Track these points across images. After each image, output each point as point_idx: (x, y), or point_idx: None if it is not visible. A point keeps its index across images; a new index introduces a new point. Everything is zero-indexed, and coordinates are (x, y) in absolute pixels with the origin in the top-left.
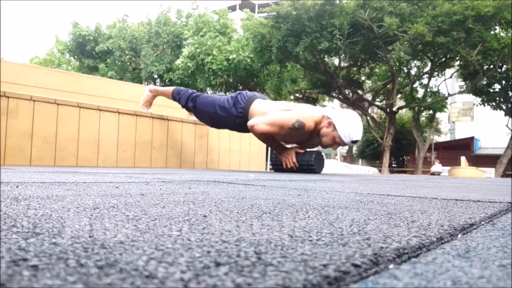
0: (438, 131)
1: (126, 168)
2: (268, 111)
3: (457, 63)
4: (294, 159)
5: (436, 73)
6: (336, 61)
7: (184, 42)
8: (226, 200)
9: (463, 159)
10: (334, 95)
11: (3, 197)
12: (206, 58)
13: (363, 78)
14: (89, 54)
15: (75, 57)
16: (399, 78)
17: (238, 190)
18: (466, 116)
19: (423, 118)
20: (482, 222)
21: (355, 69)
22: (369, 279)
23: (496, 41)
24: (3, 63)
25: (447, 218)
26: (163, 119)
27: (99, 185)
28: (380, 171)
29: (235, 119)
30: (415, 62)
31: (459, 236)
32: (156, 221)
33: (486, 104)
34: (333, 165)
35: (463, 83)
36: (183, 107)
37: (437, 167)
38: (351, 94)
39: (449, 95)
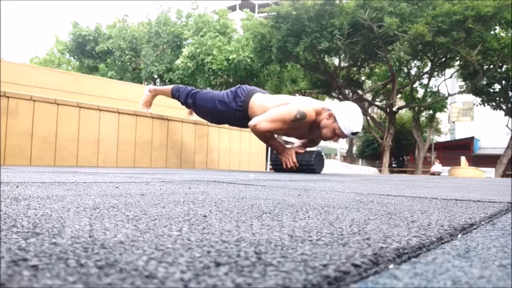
0: (438, 131)
1: (126, 168)
2: (268, 105)
3: (457, 63)
4: (294, 159)
5: (436, 73)
6: (336, 61)
7: (184, 42)
8: (226, 200)
9: (463, 159)
10: (334, 95)
11: (3, 197)
12: (206, 58)
13: (363, 78)
14: (89, 54)
15: (75, 57)
16: (399, 78)
17: (238, 190)
18: (466, 116)
19: (423, 118)
20: (482, 222)
21: (355, 69)
22: (369, 279)
23: (496, 41)
24: (3, 63)
25: (447, 218)
26: (163, 119)
27: (99, 185)
28: (380, 171)
29: (235, 113)
30: (415, 62)
31: (459, 236)
32: (156, 221)
33: (486, 104)
34: (333, 165)
35: (463, 83)
36: (182, 104)
37: (437, 167)
38: (351, 94)
39: (449, 95)
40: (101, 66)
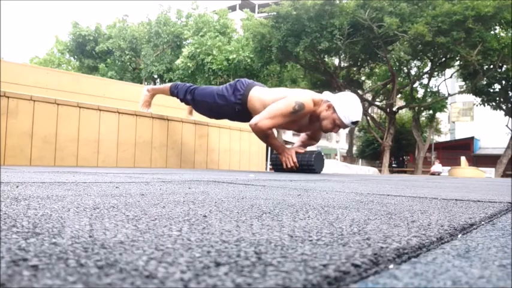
0: (438, 131)
1: (126, 168)
2: (266, 98)
3: (457, 63)
4: (294, 159)
5: (436, 73)
6: (336, 61)
7: (184, 42)
8: (226, 200)
9: (463, 159)
10: None
11: (3, 197)
12: (206, 58)
13: (363, 78)
14: (89, 54)
15: (75, 57)
16: (399, 78)
17: (238, 190)
18: (466, 116)
19: (423, 118)
20: (482, 222)
21: (355, 69)
22: (369, 279)
23: (496, 41)
24: (3, 63)
25: (447, 218)
26: (163, 119)
27: (99, 185)
28: (380, 171)
29: (234, 106)
30: (415, 62)
31: (459, 236)
32: (156, 221)
33: (486, 104)
34: (333, 165)
35: (463, 83)
36: (181, 100)
37: (437, 167)
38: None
39: (449, 95)
40: (101, 66)
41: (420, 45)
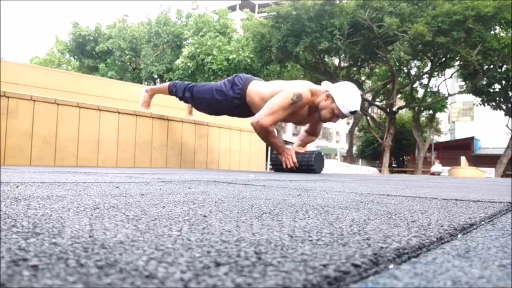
0: (438, 131)
1: (126, 168)
2: (264, 92)
3: (457, 63)
4: (294, 159)
5: (436, 73)
6: (336, 61)
7: (184, 42)
8: (226, 200)
9: (463, 159)
10: None
11: (3, 197)
12: (206, 58)
13: (363, 78)
14: (89, 54)
15: (75, 57)
16: (399, 78)
17: (238, 190)
18: (466, 116)
19: (423, 118)
20: (482, 222)
21: (355, 69)
22: (369, 279)
23: (496, 41)
24: (3, 63)
25: (447, 218)
26: (163, 119)
27: (99, 185)
28: (380, 171)
29: (233, 101)
30: (415, 62)
31: (459, 236)
32: (156, 221)
33: (486, 104)
34: (333, 165)
35: (463, 83)
36: (180, 99)
37: (437, 167)
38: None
39: (449, 95)
40: (101, 66)
41: (420, 45)
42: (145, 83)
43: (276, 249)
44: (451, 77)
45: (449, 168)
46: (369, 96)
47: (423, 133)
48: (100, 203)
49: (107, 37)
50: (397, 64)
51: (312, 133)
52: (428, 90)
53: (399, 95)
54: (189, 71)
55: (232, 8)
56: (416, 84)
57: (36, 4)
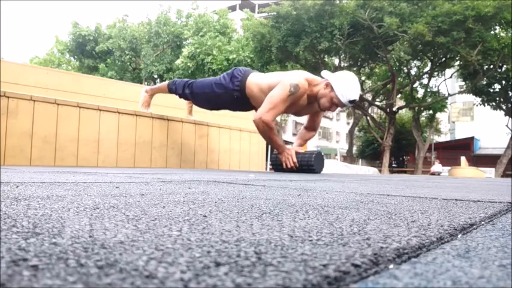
0: (438, 131)
1: (126, 168)
2: (262, 83)
3: (457, 63)
4: (295, 159)
5: (436, 73)
6: (336, 61)
7: (184, 42)
8: (226, 200)
9: (463, 159)
10: None
11: (3, 197)
12: (206, 58)
13: (363, 78)
14: (89, 54)
15: (75, 57)
16: (399, 78)
17: (238, 190)
18: (466, 116)
19: (423, 118)
20: (482, 222)
21: (355, 69)
22: (369, 279)
23: (496, 41)
24: (3, 63)
25: (447, 218)
26: (163, 119)
27: (99, 185)
28: (380, 171)
29: (233, 93)
30: (415, 62)
31: (459, 236)
32: (156, 221)
33: (486, 104)
34: (333, 165)
35: (463, 83)
36: (180, 96)
37: (437, 167)
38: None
39: (449, 95)
40: (101, 66)
41: (420, 45)
42: (145, 83)
43: (276, 249)
44: (451, 77)
45: (449, 168)
46: (369, 96)
47: (423, 133)
48: (100, 203)
49: (107, 37)
50: (397, 64)
51: (311, 128)
52: (428, 90)
53: (399, 95)
54: (189, 71)
55: (232, 8)
56: (416, 84)
57: (36, 4)
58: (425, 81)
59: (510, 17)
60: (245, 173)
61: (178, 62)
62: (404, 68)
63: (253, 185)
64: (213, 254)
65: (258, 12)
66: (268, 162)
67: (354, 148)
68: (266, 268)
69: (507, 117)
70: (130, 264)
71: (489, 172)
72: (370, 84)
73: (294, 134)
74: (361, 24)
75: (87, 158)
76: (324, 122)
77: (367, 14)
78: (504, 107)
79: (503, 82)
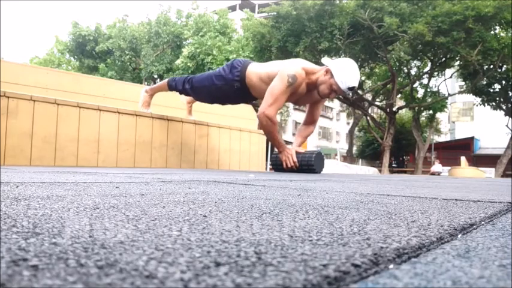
0: (438, 131)
1: (126, 168)
2: (261, 72)
3: (457, 63)
4: (295, 159)
5: (436, 73)
6: None
7: (184, 42)
8: (226, 200)
9: (463, 159)
10: None
11: (3, 197)
12: (206, 58)
13: (363, 78)
14: (89, 54)
15: (75, 57)
16: (399, 78)
17: (238, 190)
18: (466, 116)
19: (423, 118)
20: (482, 222)
21: None
22: (369, 279)
23: (496, 41)
24: (3, 63)
25: (447, 218)
26: (163, 119)
27: (99, 185)
28: (380, 171)
29: (233, 84)
30: (415, 62)
31: (459, 236)
32: (156, 221)
33: (486, 104)
34: (333, 165)
35: (463, 83)
36: (180, 92)
37: (437, 167)
38: (350, 94)
39: (449, 95)
40: (101, 66)
41: (420, 45)
42: (146, 83)
43: (276, 249)
44: (451, 77)
45: (449, 168)
46: (369, 96)
47: (423, 133)
48: (100, 203)
49: (107, 37)
50: (397, 64)
51: (310, 121)
52: (428, 90)
53: (399, 95)
54: (189, 71)
55: (232, 8)
56: (416, 84)
57: (36, 4)
58: (425, 81)
59: (510, 17)
60: (245, 173)
61: (178, 62)
62: (404, 68)
63: (253, 185)
64: (213, 254)
65: (258, 12)
66: (268, 162)
67: (354, 148)
68: (266, 268)
69: (507, 117)
70: (130, 264)
71: (489, 172)
72: (370, 84)
73: (294, 134)
74: (361, 24)
75: (87, 158)
76: (324, 122)
77: (367, 14)
78: (504, 107)
79: (503, 82)
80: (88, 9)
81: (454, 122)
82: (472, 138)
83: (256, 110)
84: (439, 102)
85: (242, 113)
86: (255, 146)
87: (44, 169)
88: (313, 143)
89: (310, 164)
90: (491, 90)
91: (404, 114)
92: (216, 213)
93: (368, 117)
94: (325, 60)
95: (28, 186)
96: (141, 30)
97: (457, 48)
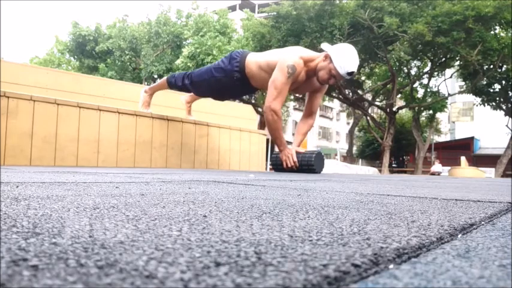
0: (438, 131)
1: (126, 168)
2: (260, 60)
3: (457, 63)
4: (295, 159)
5: (436, 73)
6: None
7: (184, 42)
8: (226, 200)
9: (463, 159)
10: (334, 95)
11: (3, 197)
12: (206, 58)
13: (363, 78)
14: (89, 54)
15: (75, 57)
16: (399, 78)
17: (238, 190)
18: (466, 116)
19: (423, 118)
20: (482, 222)
21: None
22: (369, 279)
23: (496, 41)
24: (3, 63)
25: (447, 218)
26: (163, 119)
27: (99, 185)
28: (380, 171)
29: (233, 74)
30: (415, 62)
31: (459, 236)
32: (156, 221)
33: (486, 104)
34: (333, 165)
35: (463, 83)
36: (180, 88)
37: (437, 167)
38: (351, 94)
39: (449, 95)
40: (101, 66)
41: (420, 45)
42: (146, 83)
43: (276, 249)
44: (451, 77)
45: (449, 168)
46: (369, 96)
47: (423, 133)
48: (100, 203)
49: (107, 37)
50: (397, 64)
51: (309, 113)
52: (428, 90)
53: (399, 95)
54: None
55: (232, 8)
56: (416, 84)
57: (36, 4)
58: (425, 81)
59: (510, 17)
60: (245, 173)
61: (178, 62)
62: (404, 68)
63: (253, 185)
64: (213, 254)
65: (258, 12)
66: (268, 162)
67: (354, 148)
68: (266, 268)
69: (507, 117)
70: (130, 264)
71: (489, 172)
72: (370, 84)
73: (293, 134)
74: (361, 24)
75: (87, 158)
76: (324, 122)
77: (367, 14)
78: (504, 107)
79: (503, 82)
80: (88, 9)
81: (454, 122)
82: (472, 138)
83: (257, 110)
84: (439, 102)
85: (242, 113)
86: (255, 146)
87: (44, 169)
88: (313, 143)
89: (310, 164)
90: (491, 90)
91: (404, 114)
92: (216, 213)
93: (368, 117)
94: (324, 45)
95: (28, 186)
96: (141, 30)
97: (457, 48)
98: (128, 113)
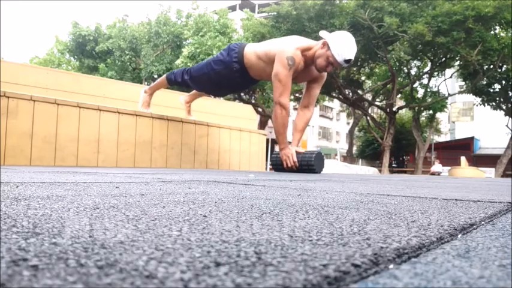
0: (438, 131)
1: (126, 168)
2: (259, 50)
3: (457, 63)
4: (295, 159)
5: (436, 73)
6: None
7: (184, 42)
8: (226, 200)
9: (463, 159)
10: (334, 95)
11: (3, 197)
12: (206, 58)
13: (363, 78)
14: (89, 54)
15: (75, 57)
16: (399, 78)
17: (238, 190)
18: (466, 116)
19: (423, 118)
20: (482, 222)
21: (355, 69)
22: (369, 279)
23: (496, 41)
24: (3, 63)
25: (447, 218)
26: (163, 119)
27: (99, 185)
28: (380, 171)
29: (232, 66)
30: (415, 62)
31: (459, 236)
32: (156, 221)
33: (486, 104)
34: (333, 165)
35: (463, 83)
36: (180, 84)
37: (437, 167)
38: (351, 94)
39: (449, 95)
40: (101, 66)
41: (420, 45)
42: (146, 83)
43: (276, 249)
44: (451, 77)
45: (449, 168)
46: (369, 96)
47: (423, 133)
48: (100, 203)
49: (107, 37)
50: (397, 64)
51: (307, 103)
52: (428, 90)
53: (399, 95)
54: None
55: (232, 8)
56: (416, 84)
57: (36, 4)
58: (425, 81)
59: (510, 17)
60: (245, 173)
61: (178, 62)
62: (404, 68)
63: (253, 185)
64: (213, 254)
65: (258, 12)
66: (268, 162)
67: (354, 148)
68: (266, 268)
69: (507, 117)
70: (130, 264)
71: (489, 172)
72: (370, 84)
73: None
74: (361, 24)
75: (87, 158)
76: (324, 122)
77: (367, 14)
78: (504, 107)
79: (503, 82)
80: (88, 9)
81: (454, 122)
82: (472, 138)
83: (257, 110)
84: (439, 102)
85: (242, 113)
86: (255, 146)
87: (44, 169)
88: (313, 143)
89: (310, 164)
90: (491, 90)
91: (404, 114)
92: (216, 213)
93: (368, 117)
94: (322, 33)
95: (28, 186)
96: (141, 30)
97: (457, 48)
98: (127, 113)
